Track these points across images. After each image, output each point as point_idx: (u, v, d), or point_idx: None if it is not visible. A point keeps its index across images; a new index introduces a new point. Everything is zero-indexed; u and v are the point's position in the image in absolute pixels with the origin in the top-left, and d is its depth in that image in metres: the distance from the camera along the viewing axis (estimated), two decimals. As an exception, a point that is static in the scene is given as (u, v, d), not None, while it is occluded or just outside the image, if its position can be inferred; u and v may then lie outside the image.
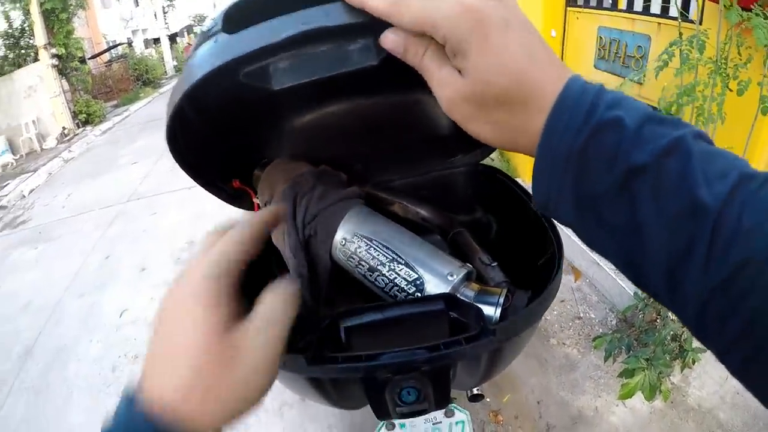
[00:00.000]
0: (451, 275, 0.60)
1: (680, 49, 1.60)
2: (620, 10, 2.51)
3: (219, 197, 0.79)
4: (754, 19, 1.40)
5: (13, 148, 9.77)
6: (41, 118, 10.23)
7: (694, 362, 2.10)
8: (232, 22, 0.42)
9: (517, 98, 0.32)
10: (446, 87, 0.34)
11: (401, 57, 0.36)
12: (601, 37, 2.62)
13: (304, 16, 0.37)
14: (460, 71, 0.33)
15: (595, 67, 2.72)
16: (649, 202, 0.28)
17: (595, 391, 2.16)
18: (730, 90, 1.56)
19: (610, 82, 2.08)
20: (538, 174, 0.32)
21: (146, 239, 4.66)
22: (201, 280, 0.33)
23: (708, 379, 2.14)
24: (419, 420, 1.06)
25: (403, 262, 0.62)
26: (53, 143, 9.93)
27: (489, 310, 0.56)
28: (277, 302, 0.37)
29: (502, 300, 0.56)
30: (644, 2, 2.32)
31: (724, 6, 1.48)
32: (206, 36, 0.44)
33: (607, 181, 0.29)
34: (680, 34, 1.61)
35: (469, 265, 0.64)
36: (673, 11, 1.84)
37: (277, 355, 0.35)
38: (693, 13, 1.84)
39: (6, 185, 7.91)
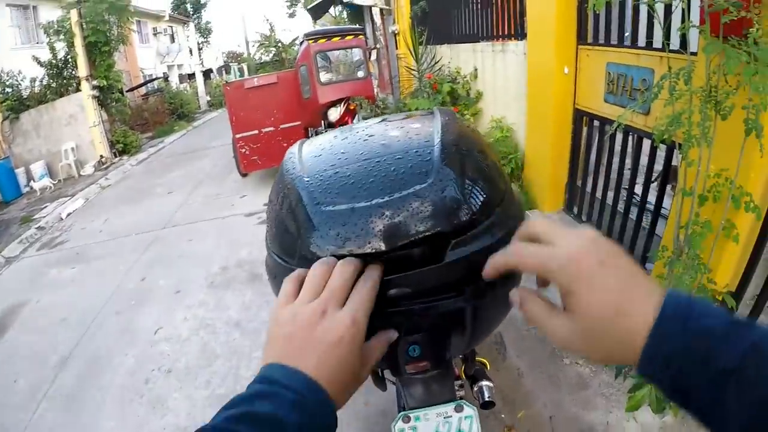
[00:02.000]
0: None
1: (669, 82, 1.74)
2: (626, 46, 2.67)
3: None
4: (727, 50, 1.55)
5: (51, 172, 10.25)
6: (80, 146, 10.71)
7: None
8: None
9: (617, 326, 0.42)
10: (559, 332, 0.46)
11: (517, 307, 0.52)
12: (609, 73, 2.77)
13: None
14: (566, 308, 0.45)
15: (605, 101, 2.86)
16: (733, 394, 0.36)
17: (607, 407, 2.21)
18: (720, 114, 1.67)
19: (618, 114, 2.22)
20: (642, 372, 0.42)
21: (182, 264, 4.85)
22: (360, 328, 0.51)
23: None
24: (432, 414, 1.18)
25: None
26: (91, 170, 10.39)
27: None
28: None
29: None
30: (647, 38, 2.45)
31: (704, 38, 1.64)
32: None
33: (701, 378, 0.38)
34: (669, 67, 1.76)
35: None
36: (673, 45, 1.98)
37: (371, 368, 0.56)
38: (696, 44, 1.97)
39: (44, 207, 8.29)
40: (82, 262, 5.54)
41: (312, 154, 0.76)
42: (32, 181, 9.88)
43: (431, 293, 0.62)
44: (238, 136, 6.76)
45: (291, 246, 0.69)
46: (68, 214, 7.82)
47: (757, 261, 2.14)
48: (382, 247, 0.60)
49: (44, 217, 7.75)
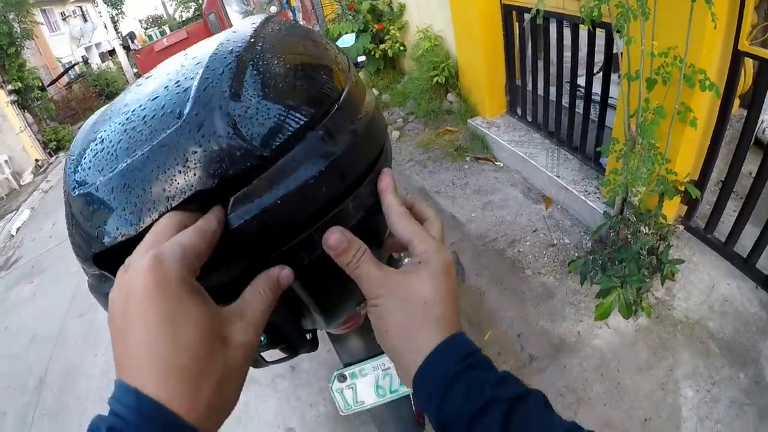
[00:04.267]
0: None
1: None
2: None
3: None
4: None
5: (-9, 192, 9.74)
6: (13, 156, 10.09)
7: (673, 274, 2.07)
8: None
9: (413, 331, 0.41)
10: (375, 280, 0.43)
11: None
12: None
13: None
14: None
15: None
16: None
17: (576, 316, 2.16)
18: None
19: (548, 2, 1.97)
20: (417, 392, 0.41)
21: (132, 250, 4.74)
22: (168, 270, 0.34)
23: (693, 289, 2.11)
24: (368, 367, 1.10)
25: None
26: (30, 178, 9.86)
27: None
28: (256, 300, 0.41)
29: None
30: None
31: None
32: None
33: (466, 409, 0.37)
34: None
35: None
36: None
37: (251, 347, 0.39)
38: None
39: (-8, 230, 7.91)
40: (38, 274, 5.39)
41: (91, 122, 0.56)
42: (-26, 207, 9.37)
43: (233, 270, 0.45)
44: (160, 103, 6.46)
45: (72, 244, 0.52)
46: (17, 229, 7.48)
47: (718, 145, 2.02)
48: (132, 231, 0.42)
49: (-6, 240, 7.38)
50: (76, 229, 0.48)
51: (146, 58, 6.26)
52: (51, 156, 10.53)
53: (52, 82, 14.90)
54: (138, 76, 18.72)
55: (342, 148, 0.47)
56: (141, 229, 0.42)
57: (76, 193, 0.46)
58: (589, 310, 2.14)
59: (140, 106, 0.48)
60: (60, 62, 17.88)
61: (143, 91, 0.52)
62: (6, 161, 9.89)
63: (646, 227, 2.04)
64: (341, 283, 0.56)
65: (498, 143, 3.40)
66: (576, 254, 2.41)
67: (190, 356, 0.32)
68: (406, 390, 1.12)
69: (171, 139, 0.42)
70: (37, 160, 10.09)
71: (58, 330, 4.00)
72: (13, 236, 7.29)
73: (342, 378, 1.10)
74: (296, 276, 0.47)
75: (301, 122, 0.45)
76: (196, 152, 0.42)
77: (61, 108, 13.32)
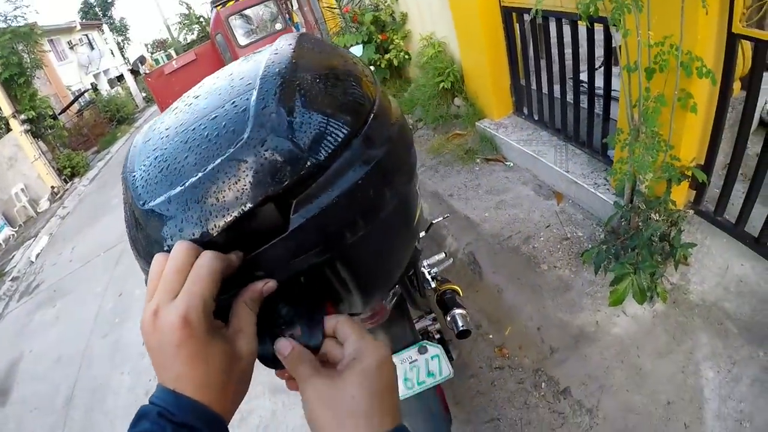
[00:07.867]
0: None
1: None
2: None
3: None
4: None
5: (9, 220, 9.89)
6: (29, 184, 10.30)
7: (686, 258, 2.09)
8: None
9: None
10: (315, 391, 0.47)
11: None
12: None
13: None
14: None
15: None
16: None
17: (593, 306, 2.18)
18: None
19: (546, 1, 2.02)
20: None
21: (152, 268, 4.77)
22: (195, 326, 0.43)
23: (707, 272, 2.11)
24: (395, 361, 1.13)
25: None
26: (47, 205, 10.03)
27: None
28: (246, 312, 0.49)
29: None
30: None
31: None
32: None
33: None
34: None
35: None
36: None
37: (255, 353, 0.49)
38: None
39: (12, 257, 8.04)
40: (61, 298, 5.47)
41: (145, 140, 0.63)
42: (-7, 236, 9.54)
43: (306, 260, 0.53)
44: (173, 124, 6.64)
45: (140, 250, 0.59)
46: (37, 255, 7.61)
47: (721, 129, 2.04)
48: (206, 235, 0.49)
49: (15, 266, 7.54)
50: (145, 236, 0.55)
51: (157, 81, 6.42)
52: (66, 182, 10.71)
53: (64, 110, 15.16)
54: (148, 100, 19.01)
55: (382, 152, 0.56)
56: (216, 232, 0.49)
57: (147, 206, 0.53)
58: (606, 299, 2.13)
59: (200, 125, 0.56)
60: (70, 90, 18.20)
61: (196, 112, 0.60)
62: (22, 189, 10.10)
63: (657, 214, 2.06)
64: (378, 263, 0.65)
65: (507, 143, 3.43)
66: (589, 246, 2.41)
67: (217, 376, 0.44)
68: (433, 380, 1.16)
69: (238, 154, 0.50)
70: (53, 187, 10.27)
71: (83, 351, 4.05)
72: (33, 262, 7.40)
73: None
74: (338, 257, 0.55)
75: (346, 132, 0.53)
76: (262, 165, 0.49)
77: (73, 135, 13.54)
